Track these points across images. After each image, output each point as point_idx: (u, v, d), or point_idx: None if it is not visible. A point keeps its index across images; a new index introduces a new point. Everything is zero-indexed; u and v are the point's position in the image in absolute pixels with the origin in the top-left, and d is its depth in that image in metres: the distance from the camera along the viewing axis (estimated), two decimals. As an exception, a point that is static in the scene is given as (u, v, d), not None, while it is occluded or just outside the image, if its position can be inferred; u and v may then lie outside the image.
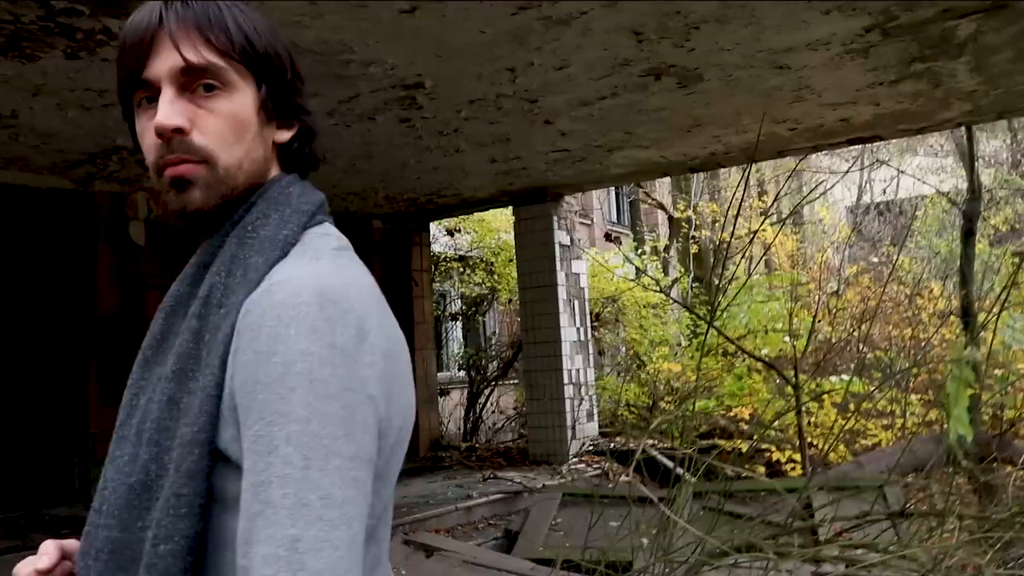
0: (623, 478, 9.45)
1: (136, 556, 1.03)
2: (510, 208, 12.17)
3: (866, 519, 4.93)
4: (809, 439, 9.62)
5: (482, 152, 8.20)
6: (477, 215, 11.63)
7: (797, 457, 9.21)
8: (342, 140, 7.52)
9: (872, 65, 6.35)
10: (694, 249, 13.19)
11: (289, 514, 0.92)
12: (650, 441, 9.99)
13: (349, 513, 0.95)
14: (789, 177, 15.92)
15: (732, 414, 9.67)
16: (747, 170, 7.74)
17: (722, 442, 9.46)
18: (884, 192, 21.48)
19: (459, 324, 13.36)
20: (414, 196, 9.82)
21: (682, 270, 12.40)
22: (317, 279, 1.03)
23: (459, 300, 13.12)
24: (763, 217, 12.01)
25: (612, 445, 9.94)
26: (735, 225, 14.09)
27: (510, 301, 12.02)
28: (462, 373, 12.88)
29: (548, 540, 7.16)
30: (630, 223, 16.88)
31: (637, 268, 10.50)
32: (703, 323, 10.59)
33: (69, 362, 8.03)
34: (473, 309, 12.83)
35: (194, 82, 1.12)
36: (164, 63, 1.11)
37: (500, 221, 11.95)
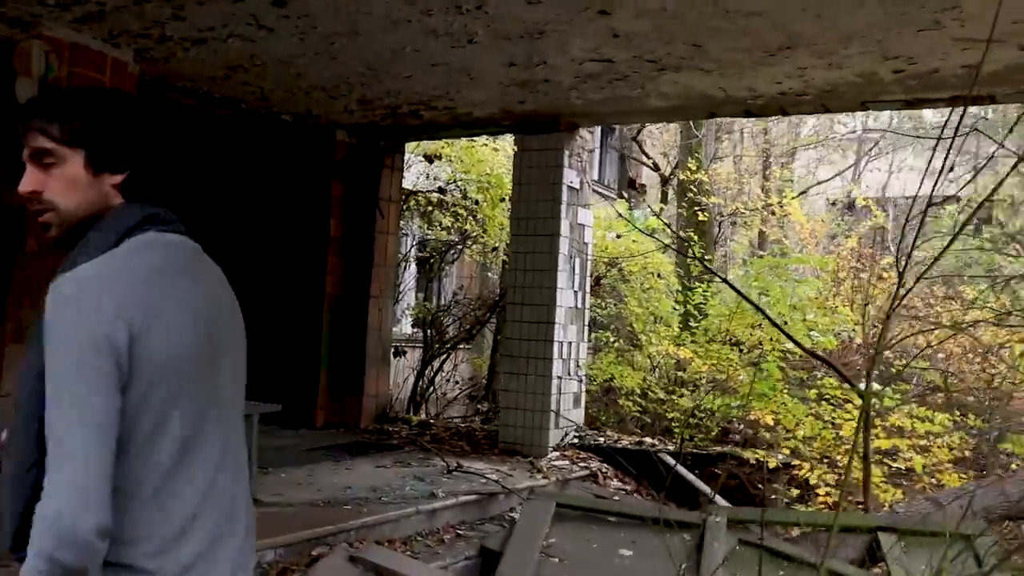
0: (614, 483, 7.73)
1: None
2: (499, 141, 10.32)
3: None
4: (835, 456, 8.00)
5: (501, 49, 6.30)
6: (463, 141, 9.68)
7: (830, 479, 7.57)
8: (323, 7, 5.58)
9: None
10: (703, 217, 11.42)
11: (56, 418, 1.59)
12: (650, 440, 8.27)
13: (84, 414, 1.58)
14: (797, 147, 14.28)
15: (752, 416, 7.99)
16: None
17: (743, 451, 7.80)
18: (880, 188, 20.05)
19: (412, 271, 11.39)
20: (396, 103, 7.86)
21: (695, 238, 10.62)
22: (83, 272, 1.70)
23: (420, 244, 11.15)
24: (777, 191, 10.32)
25: (603, 440, 8.18)
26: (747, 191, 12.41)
27: (494, 250, 10.08)
28: (416, 330, 10.98)
29: (540, 571, 5.37)
30: (616, 181, 15.04)
31: (666, 226, 8.67)
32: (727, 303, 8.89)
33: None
34: (438, 256, 10.86)
35: (42, 158, 1.80)
36: (24, 151, 1.81)
37: (485, 152, 9.97)
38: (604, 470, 7.77)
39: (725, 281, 6.88)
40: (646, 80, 6.87)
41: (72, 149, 1.78)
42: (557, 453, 7.93)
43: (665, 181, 13.48)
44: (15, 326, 5.90)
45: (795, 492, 7.45)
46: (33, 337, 1.70)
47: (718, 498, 6.93)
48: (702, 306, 10.01)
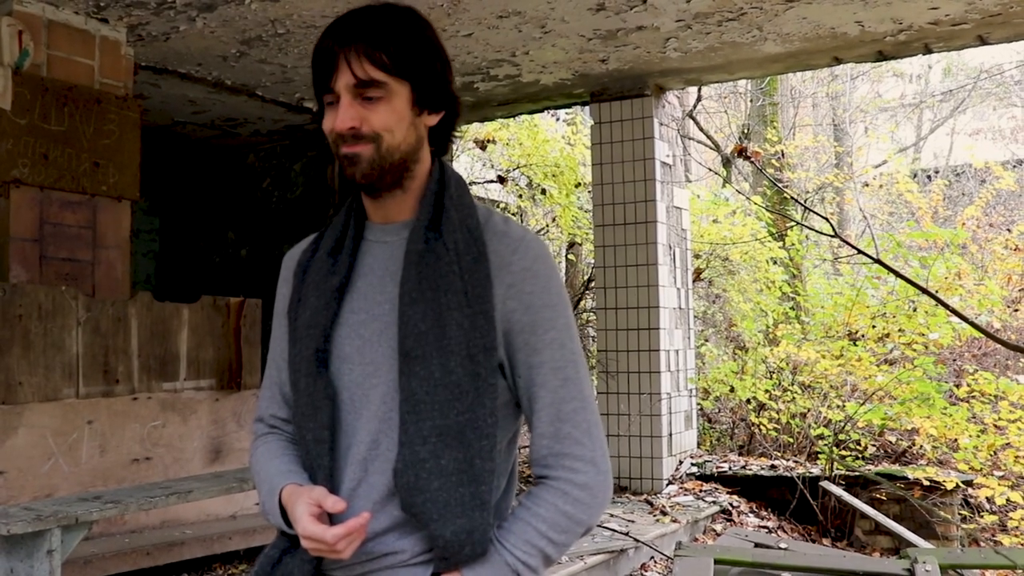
0: (751, 519, 6.51)
1: None
2: (563, 119, 9.11)
3: None
4: (1009, 466, 6.75)
5: (593, -16, 5.11)
6: (517, 123, 8.46)
7: (1017, 498, 6.32)
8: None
9: None
10: (793, 193, 10.15)
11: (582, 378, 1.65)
12: (785, 463, 7.05)
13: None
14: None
15: (911, 426, 6.76)
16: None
17: (908, 469, 6.57)
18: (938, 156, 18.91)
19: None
20: (447, 76, 6.65)
21: (796, 217, 9.38)
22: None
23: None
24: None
25: (728, 466, 6.95)
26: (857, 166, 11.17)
27: (571, 246, 8.85)
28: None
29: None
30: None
31: (798, 201, 7.42)
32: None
33: None
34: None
35: (363, 90, 1.52)
36: (342, 79, 1.52)
37: (547, 130, 8.71)
38: (736, 504, 6.55)
39: (884, 265, 5.65)
40: (767, 17, 5.66)
41: (400, 82, 1.55)
42: (675, 486, 6.72)
43: (727, 161, 12.26)
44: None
45: (990, 518, 6.20)
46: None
47: (914, 536, 5.69)
48: (811, 297, 8.81)
